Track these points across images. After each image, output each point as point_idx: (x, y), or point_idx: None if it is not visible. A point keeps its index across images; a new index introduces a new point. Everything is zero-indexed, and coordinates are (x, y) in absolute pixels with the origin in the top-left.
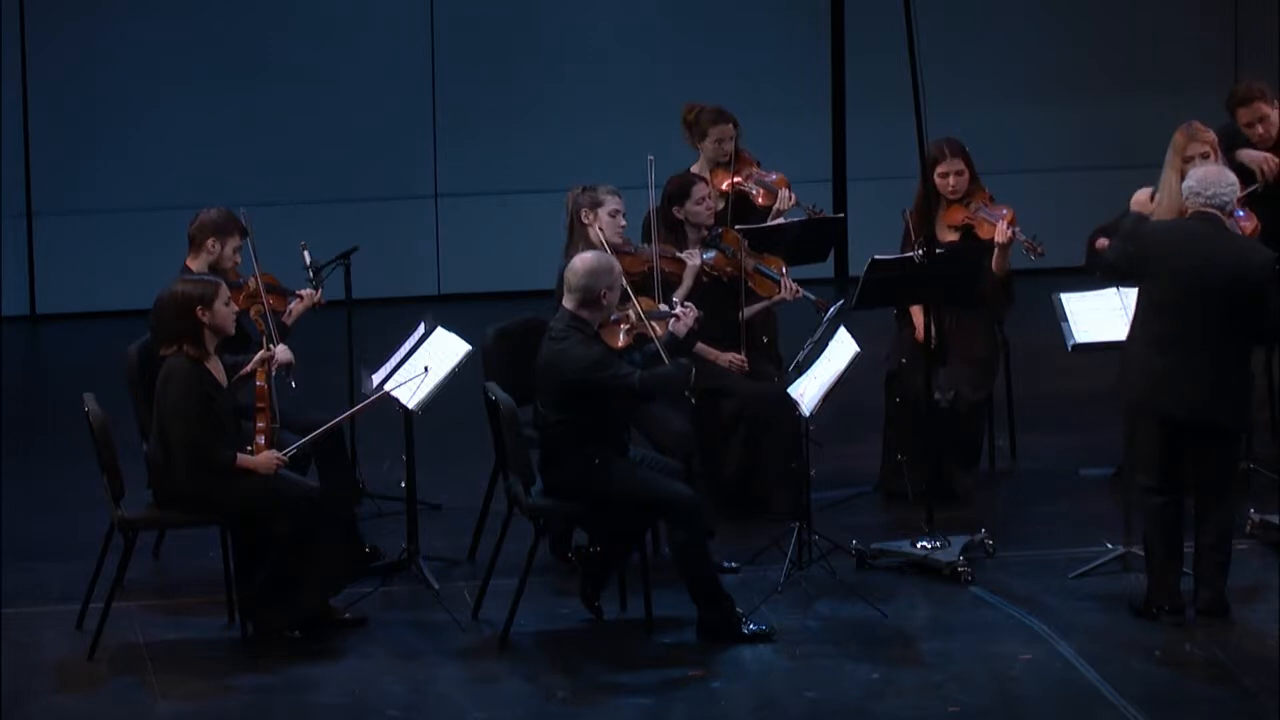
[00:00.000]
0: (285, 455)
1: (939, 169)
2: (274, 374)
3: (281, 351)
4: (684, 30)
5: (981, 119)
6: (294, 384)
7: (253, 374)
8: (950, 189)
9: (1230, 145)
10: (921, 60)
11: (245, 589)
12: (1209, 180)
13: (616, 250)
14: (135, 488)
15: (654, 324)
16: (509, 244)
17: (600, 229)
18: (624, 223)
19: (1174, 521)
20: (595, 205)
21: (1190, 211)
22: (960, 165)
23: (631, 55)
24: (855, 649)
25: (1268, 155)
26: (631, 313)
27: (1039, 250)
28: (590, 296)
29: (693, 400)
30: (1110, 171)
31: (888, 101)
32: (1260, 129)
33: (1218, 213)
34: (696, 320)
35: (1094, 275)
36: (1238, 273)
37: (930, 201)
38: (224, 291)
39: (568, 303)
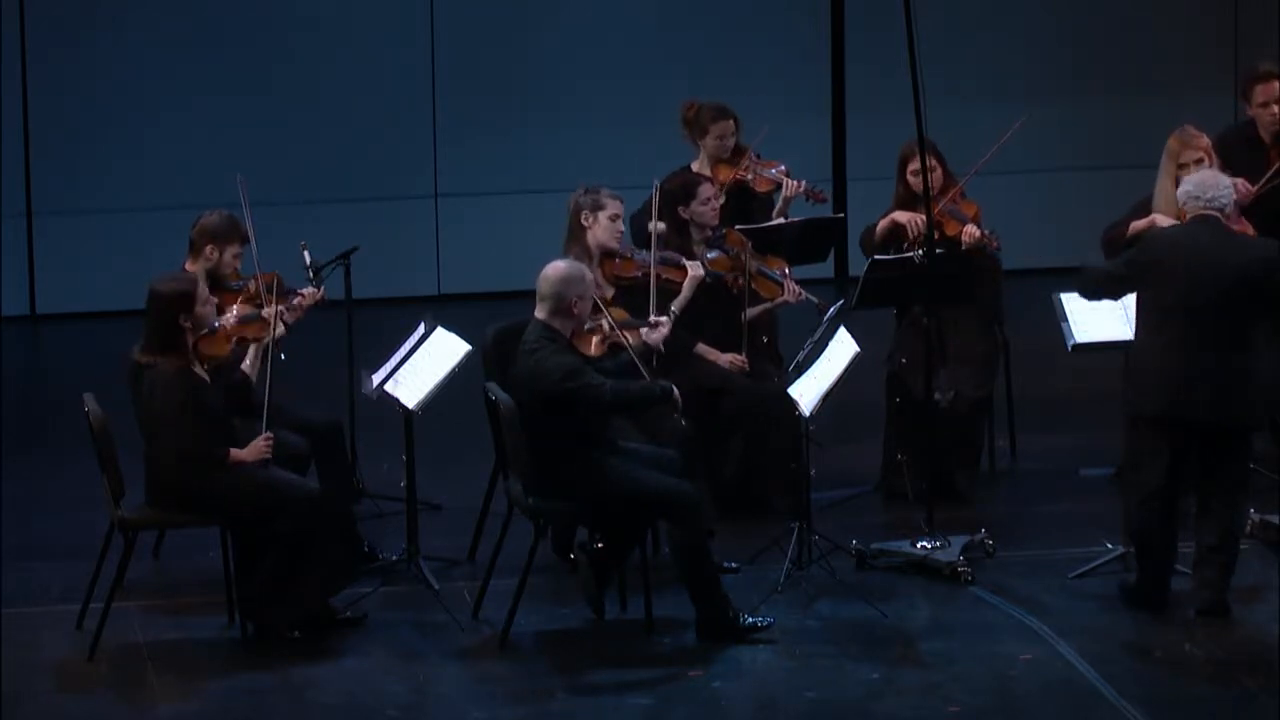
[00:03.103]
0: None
1: (911, 167)
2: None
3: (268, 312)
4: (684, 30)
5: (981, 119)
6: (284, 356)
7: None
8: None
9: (1235, 146)
10: (921, 60)
11: (245, 589)
12: (1206, 184)
13: (613, 255)
14: (135, 488)
15: (627, 333)
16: (509, 244)
17: (597, 232)
18: (622, 228)
19: (1172, 521)
20: (596, 208)
21: (1189, 216)
22: (932, 162)
23: (631, 55)
24: (855, 649)
25: (1240, 180)
26: (605, 322)
27: (995, 244)
28: (561, 305)
29: (682, 422)
30: (1109, 172)
31: (888, 101)
32: (1277, 108)
33: (1218, 215)
34: (670, 331)
35: (1093, 288)
36: (1251, 269)
37: (929, 202)
38: (203, 291)
39: (539, 312)
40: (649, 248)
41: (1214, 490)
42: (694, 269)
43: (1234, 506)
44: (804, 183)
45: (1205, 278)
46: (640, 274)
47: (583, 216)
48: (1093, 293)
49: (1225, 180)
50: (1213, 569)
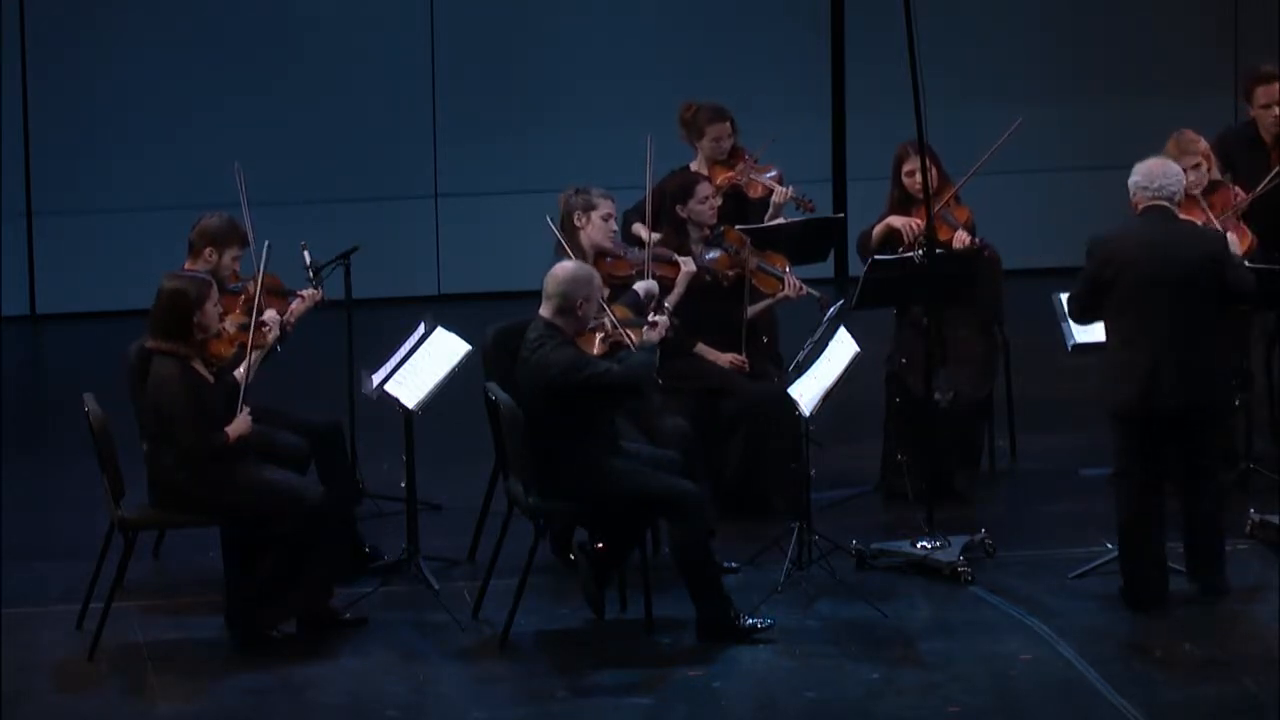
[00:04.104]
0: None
1: (905, 168)
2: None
3: (270, 316)
4: (684, 30)
5: (980, 119)
6: (279, 349)
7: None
8: (918, 188)
9: (1235, 147)
10: (921, 60)
11: (239, 590)
12: (1154, 174)
13: (606, 254)
14: (135, 488)
15: (629, 332)
16: (509, 244)
17: (591, 233)
18: (615, 226)
19: (1154, 513)
20: (588, 208)
21: (1140, 207)
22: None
23: (632, 55)
24: (855, 649)
25: (1236, 188)
26: (607, 321)
27: (987, 253)
28: (567, 304)
29: (659, 381)
30: (1108, 172)
31: (888, 101)
32: (1278, 111)
33: (1167, 204)
34: (669, 330)
35: (1080, 312)
36: (1196, 255)
37: (929, 203)
38: (214, 292)
39: (544, 310)
40: (639, 247)
41: (1192, 477)
42: (686, 265)
43: (1213, 480)
44: (791, 190)
45: (1159, 268)
46: (634, 272)
47: (575, 217)
48: (1081, 315)
49: (1174, 168)
50: (1205, 553)
